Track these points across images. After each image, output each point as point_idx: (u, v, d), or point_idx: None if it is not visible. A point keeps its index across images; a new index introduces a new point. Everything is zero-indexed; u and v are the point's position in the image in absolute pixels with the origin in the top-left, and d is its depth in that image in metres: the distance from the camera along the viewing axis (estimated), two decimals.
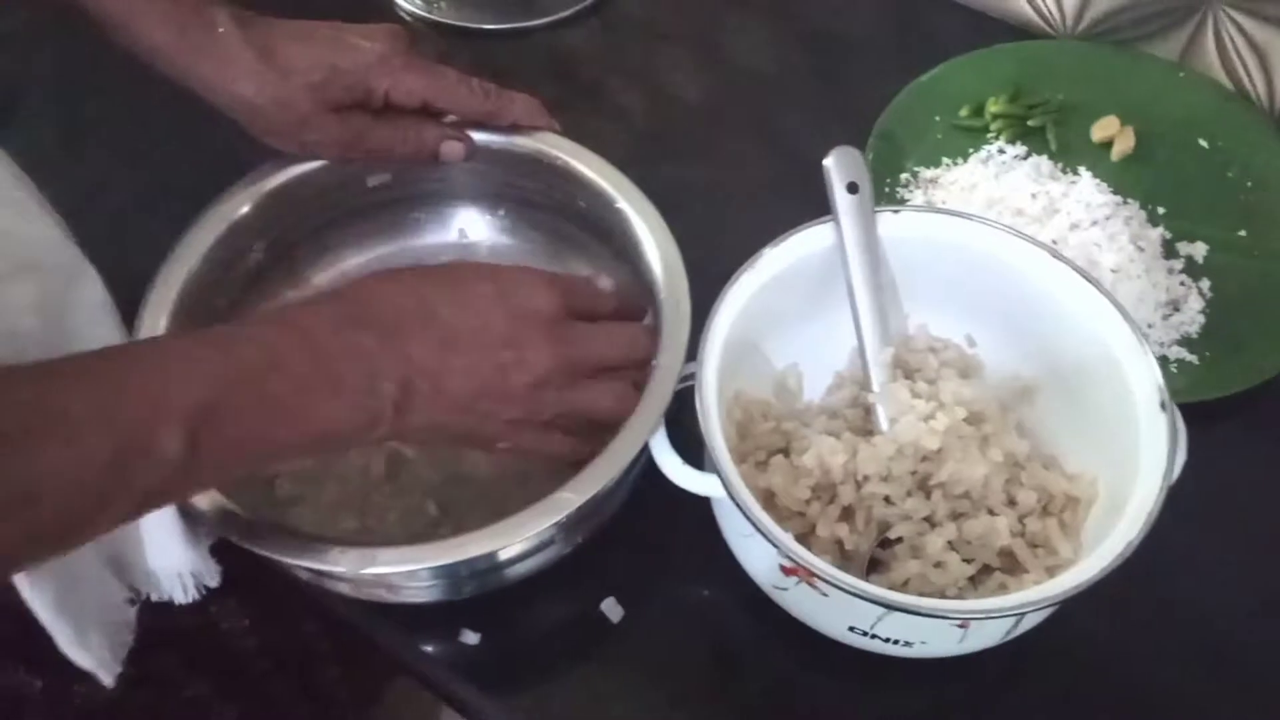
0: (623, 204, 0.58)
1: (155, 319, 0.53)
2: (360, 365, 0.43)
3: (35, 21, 0.81)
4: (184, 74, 0.55)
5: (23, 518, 0.35)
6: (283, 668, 0.75)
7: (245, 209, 0.58)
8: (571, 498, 0.48)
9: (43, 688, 0.58)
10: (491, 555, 0.50)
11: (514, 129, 0.60)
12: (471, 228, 0.66)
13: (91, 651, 0.54)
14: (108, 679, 0.55)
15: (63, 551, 0.39)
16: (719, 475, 0.46)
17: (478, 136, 0.60)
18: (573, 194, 0.60)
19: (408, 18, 0.82)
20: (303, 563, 0.48)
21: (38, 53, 0.81)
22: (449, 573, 0.52)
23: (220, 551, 0.58)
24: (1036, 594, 0.43)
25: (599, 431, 0.50)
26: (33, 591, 0.50)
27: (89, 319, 0.51)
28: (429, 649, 0.56)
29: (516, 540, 0.48)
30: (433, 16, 0.81)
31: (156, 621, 0.59)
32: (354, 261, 0.65)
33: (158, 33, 0.53)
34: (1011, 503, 0.52)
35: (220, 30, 0.54)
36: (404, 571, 0.49)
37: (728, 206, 0.71)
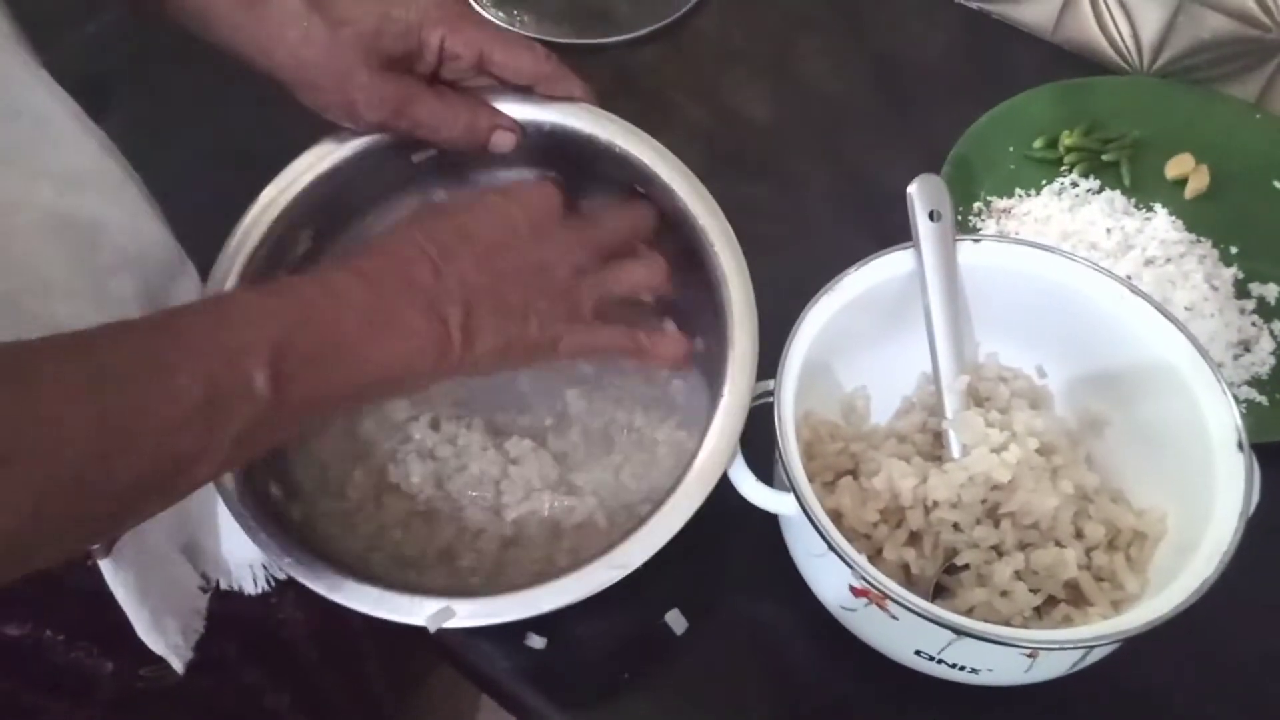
0: (687, 202, 0.56)
1: None
2: (419, 296, 0.45)
3: (123, 18, 0.83)
4: (233, 31, 0.52)
5: (126, 460, 0.36)
6: (329, 659, 0.76)
7: (288, 199, 0.57)
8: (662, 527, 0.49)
9: (113, 670, 0.59)
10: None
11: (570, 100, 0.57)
12: None
13: (166, 637, 0.56)
14: (179, 665, 0.57)
15: (164, 502, 0.40)
16: (795, 494, 0.47)
17: (546, 115, 0.57)
18: (630, 181, 0.57)
19: None
20: (382, 614, 0.49)
21: (127, 48, 0.83)
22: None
23: None
24: (1110, 627, 0.44)
25: (635, 316, 0.52)
26: (116, 577, 0.52)
27: None
28: (494, 652, 0.56)
29: (584, 592, 0.48)
30: (514, 29, 0.82)
31: (220, 609, 0.60)
32: None
33: None
34: (1079, 535, 0.53)
35: None
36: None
37: (792, 225, 0.72)
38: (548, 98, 0.56)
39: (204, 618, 0.59)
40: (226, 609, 0.61)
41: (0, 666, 0.54)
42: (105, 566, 0.51)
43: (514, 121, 0.56)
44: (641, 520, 0.49)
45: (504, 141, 0.56)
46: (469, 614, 0.48)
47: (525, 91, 0.56)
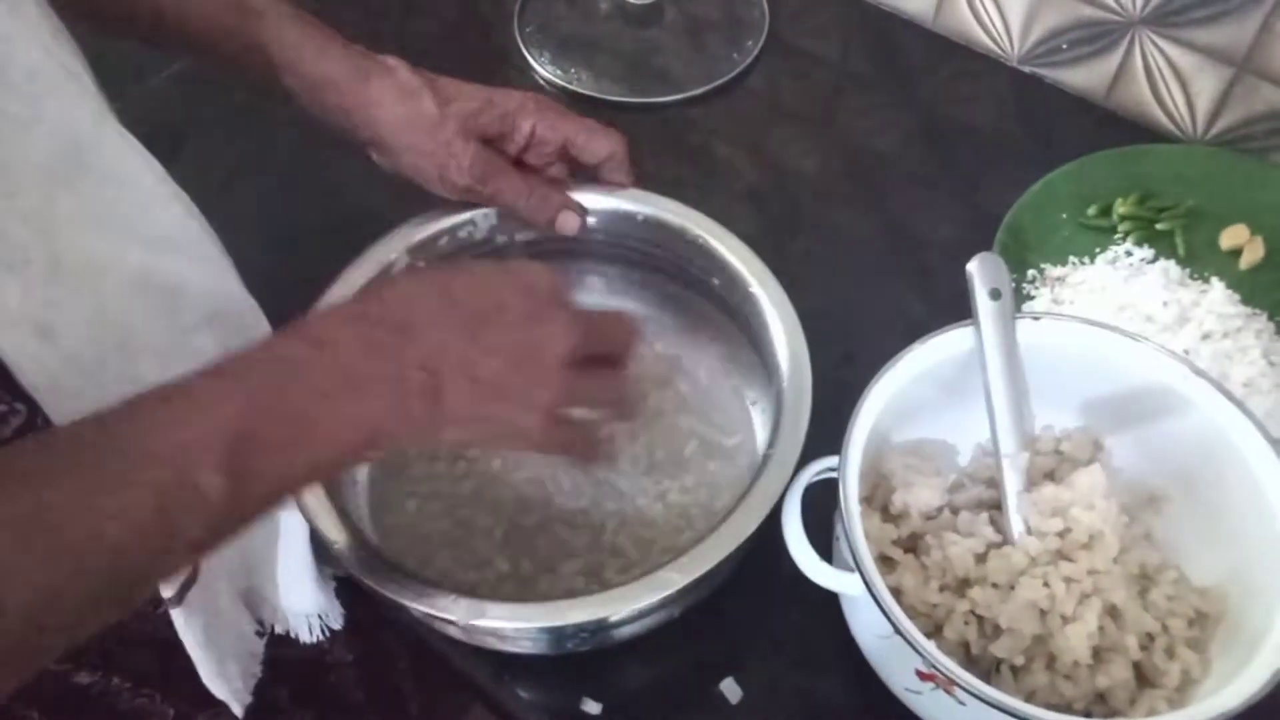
0: (756, 289, 0.60)
1: None
2: (381, 361, 0.42)
3: (193, 69, 0.84)
4: (348, 102, 0.58)
5: (76, 587, 0.35)
6: (374, 700, 0.77)
7: (394, 257, 0.61)
8: (676, 578, 0.50)
9: (174, 716, 0.61)
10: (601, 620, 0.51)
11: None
12: (608, 289, 0.69)
13: (229, 682, 0.57)
14: (238, 709, 0.59)
15: (120, 613, 0.38)
16: (861, 577, 0.47)
17: (628, 205, 0.63)
18: (709, 271, 0.63)
19: (546, 86, 0.85)
20: (418, 606, 0.50)
21: (205, 94, 0.84)
22: (555, 629, 0.53)
23: (341, 594, 0.61)
24: (1187, 718, 0.44)
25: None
26: (186, 625, 0.53)
27: None
28: (549, 716, 0.57)
29: (620, 610, 0.50)
30: (570, 86, 0.83)
31: (273, 654, 0.62)
32: None
33: (331, 65, 0.57)
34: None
35: (390, 64, 0.59)
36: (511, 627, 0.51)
37: (838, 281, 0.73)
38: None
39: (261, 662, 0.61)
40: (278, 654, 0.62)
41: (68, 713, 0.56)
42: (176, 615, 0.53)
43: (582, 207, 0.62)
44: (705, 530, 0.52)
45: (569, 222, 0.62)
46: (500, 615, 0.49)
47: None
